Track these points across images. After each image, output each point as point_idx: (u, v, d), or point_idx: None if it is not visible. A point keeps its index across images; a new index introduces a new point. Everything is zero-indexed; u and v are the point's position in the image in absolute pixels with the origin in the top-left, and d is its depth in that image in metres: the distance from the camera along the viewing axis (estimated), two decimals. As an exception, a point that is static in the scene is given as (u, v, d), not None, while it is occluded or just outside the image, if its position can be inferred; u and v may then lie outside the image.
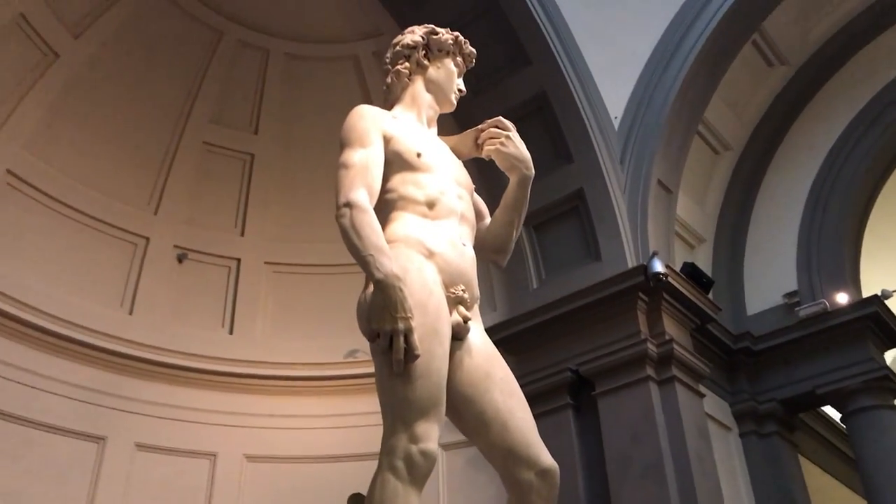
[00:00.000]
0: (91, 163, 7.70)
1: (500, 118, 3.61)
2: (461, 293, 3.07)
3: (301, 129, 8.71)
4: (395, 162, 3.24)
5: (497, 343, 7.01)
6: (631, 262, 6.94)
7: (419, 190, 3.21)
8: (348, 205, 2.95)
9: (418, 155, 3.28)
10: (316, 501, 7.43)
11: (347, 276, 8.48)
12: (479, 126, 3.64)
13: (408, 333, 2.71)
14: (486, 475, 7.19)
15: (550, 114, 7.69)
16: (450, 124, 8.17)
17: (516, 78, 7.78)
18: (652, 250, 6.86)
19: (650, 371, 6.50)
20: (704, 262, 8.30)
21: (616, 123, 7.77)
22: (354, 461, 7.61)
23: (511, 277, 7.84)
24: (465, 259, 3.16)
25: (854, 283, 7.79)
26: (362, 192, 3.02)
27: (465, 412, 3.00)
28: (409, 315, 2.73)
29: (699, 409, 6.67)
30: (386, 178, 3.22)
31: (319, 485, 7.54)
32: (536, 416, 6.38)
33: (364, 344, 7.57)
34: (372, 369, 7.37)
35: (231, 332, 8.17)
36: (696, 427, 6.47)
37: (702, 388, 7.11)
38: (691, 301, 6.96)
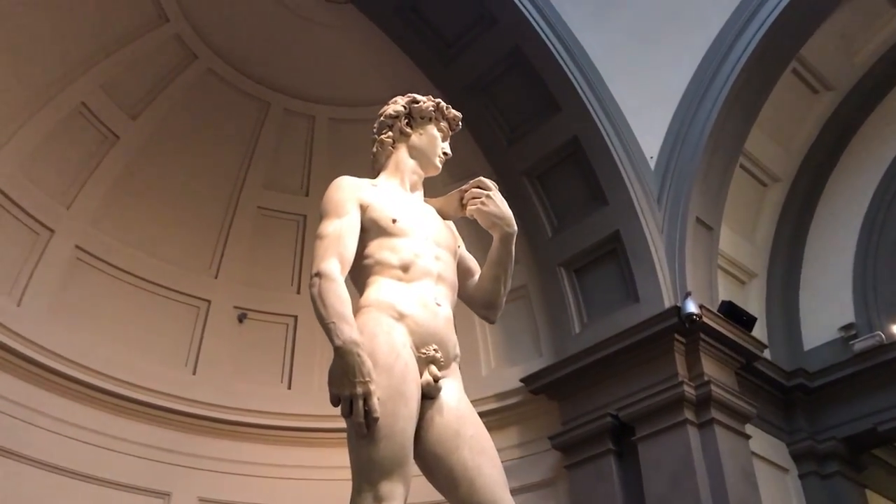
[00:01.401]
0: (154, 234, 8.23)
1: (481, 178, 3.78)
2: (433, 353, 3.19)
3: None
4: (372, 229, 3.42)
5: (541, 389, 7.16)
6: (668, 303, 6.89)
7: (394, 254, 3.36)
8: (318, 275, 3.15)
9: (394, 221, 3.44)
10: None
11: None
12: (463, 187, 3.80)
13: (367, 397, 2.86)
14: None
15: (584, 158, 7.77)
16: (489, 175, 8.40)
17: (548, 125, 7.91)
18: (686, 290, 6.78)
19: (688, 414, 6.41)
20: (757, 298, 8.12)
21: (652, 163, 7.77)
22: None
23: (555, 322, 7.89)
24: (439, 319, 3.27)
25: (916, 313, 7.44)
26: (333, 262, 3.21)
27: (436, 470, 3.11)
28: (368, 379, 2.88)
29: (744, 452, 6.50)
30: (364, 245, 3.40)
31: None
32: (580, 463, 6.48)
33: None
34: None
35: (290, 388, 8.48)
36: (741, 470, 6.31)
37: (753, 429, 6.95)
38: (732, 340, 6.83)
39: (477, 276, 3.77)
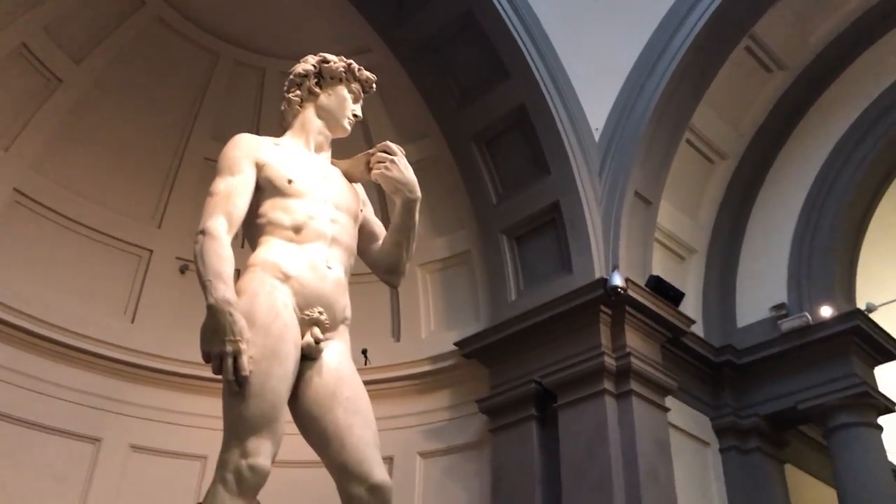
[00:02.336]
0: (97, 180, 8.16)
1: (388, 143, 3.77)
2: (317, 315, 3.23)
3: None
4: (267, 188, 3.43)
5: (473, 353, 7.22)
6: (598, 275, 6.94)
7: (287, 215, 3.38)
8: (202, 232, 3.18)
9: (289, 181, 3.45)
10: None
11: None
12: (370, 150, 3.78)
13: (236, 355, 2.90)
14: (460, 484, 7.33)
15: (529, 126, 7.76)
16: (438, 138, 8.38)
17: (497, 91, 7.88)
18: (612, 264, 6.83)
19: (608, 384, 6.50)
20: (696, 274, 8.19)
21: (597, 135, 7.77)
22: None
23: (493, 288, 7.94)
24: (327, 281, 3.30)
25: (846, 296, 7.53)
26: (218, 220, 3.22)
27: (310, 429, 3.17)
28: (238, 338, 2.92)
29: (660, 423, 6.61)
30: (258, 204, 3.42)
31: (305, 488, 7.78)
32: (503, 427, 6.58)
33: (369, 345, 7.84)
34: (365, 377, 7.61)
35: None
36: (655, 441, 6.42)
37: (676, 402, 7.06)
38: (657, 314, 6.90)
39: (381, 241, 3.78)
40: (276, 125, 8.99)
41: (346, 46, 8.54)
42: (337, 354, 3.31)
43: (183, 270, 8.56)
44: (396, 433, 7.80)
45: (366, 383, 7.83)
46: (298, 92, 3.88)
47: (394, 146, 3.71)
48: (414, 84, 8.38)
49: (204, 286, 3.02)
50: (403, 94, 8.48)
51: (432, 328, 8.31)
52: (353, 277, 8.71)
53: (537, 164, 7.74)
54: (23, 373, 7.38)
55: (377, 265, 3.81)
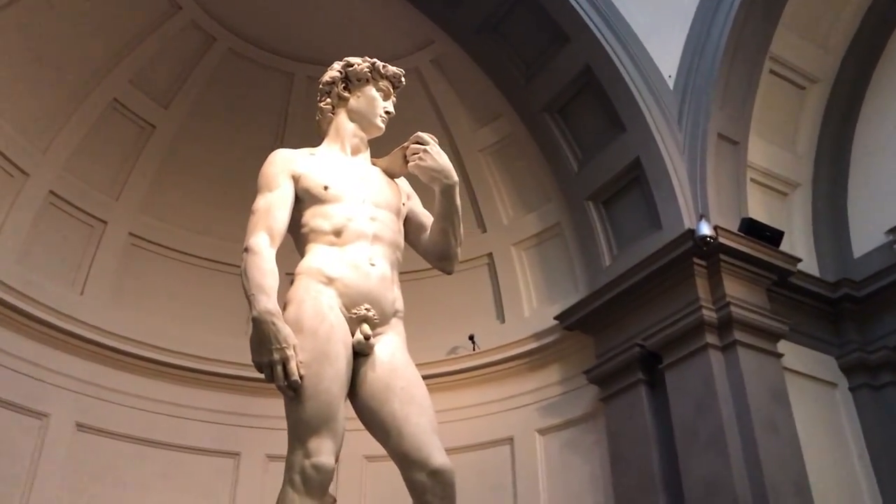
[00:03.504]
0: (200, 212, 8.67)
1: (419, 133, 3.84)
2: (364, 312, 3.34)
3: (388, 144, 9.18)
4: (306, 198, 3.58)
5: (574, 325, 7.17)
6: (688, 227, 6.70)
7: (326, 220, 3.52)
8: (246, 249, 3.37)
9: (325, 188, 3.58)
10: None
11: (443, 278, 8.83)
12: (404, 144, 3.88)
13: (285, 363, 3.06)
14: (580, 457, 7.30)
15: (598, 86, 7.60)
16: (511, 116, 8.31)
17: (560, 57, 7.77)
18: (699, 213, 6.57)
19: (710, 338, 6.28)
20: (802, 208, 7.74)
21: (671, 83, 7.50)
22: (466, 452, 7.94)
23: (587, 257, 7.84)
24: (371, 279, 3.40)
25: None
26: (260, 236, 3.40)
27: (371, 423, 3.31)
28: (284, 345, 3.07)
29: (773, 371, 6.31)
30: (300, 214, 3.58)
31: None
32: (614, 395, 6.54)
33: (476, 331, 7.81)
34: (475, 362, 7.76)
35: None
36: (768, 390, 6.15)
37: (793, 346, 6.74)
38: (756, 258, 6.58)
39: (429, 231, 3.85)
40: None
41: (410, 42, 8.72)
42: (389, 347, 3.38)
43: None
44: (513, 413, 7.89)
45: (475, 368, 8.07)
46: (328, 99, 3.98)
47: (425, 136, 3.75)
48: (480, 67, 8.38)
49: (249, 301, 3.17)
50: (472, 79, 8.51)
51: (535, 305, 8.29)
52: (425, 272, 8.79)
53: (612, 123, 7.57)
54: (163, 401, 7.98)
55: (428, 254, 3.88)
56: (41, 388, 7.33)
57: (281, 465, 8.04)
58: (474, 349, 8.25)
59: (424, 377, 8.35)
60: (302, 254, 3.56)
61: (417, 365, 8.57)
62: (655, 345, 6.65)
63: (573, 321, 7.45)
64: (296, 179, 3.60)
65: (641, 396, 6.67)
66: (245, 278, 3.25)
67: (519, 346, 8.01)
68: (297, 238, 3.62)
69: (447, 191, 3.64)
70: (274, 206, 3.50)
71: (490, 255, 8.73)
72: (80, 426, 7.52)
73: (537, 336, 7.93)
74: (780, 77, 7.74)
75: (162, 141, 8.51)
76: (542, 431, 7.66)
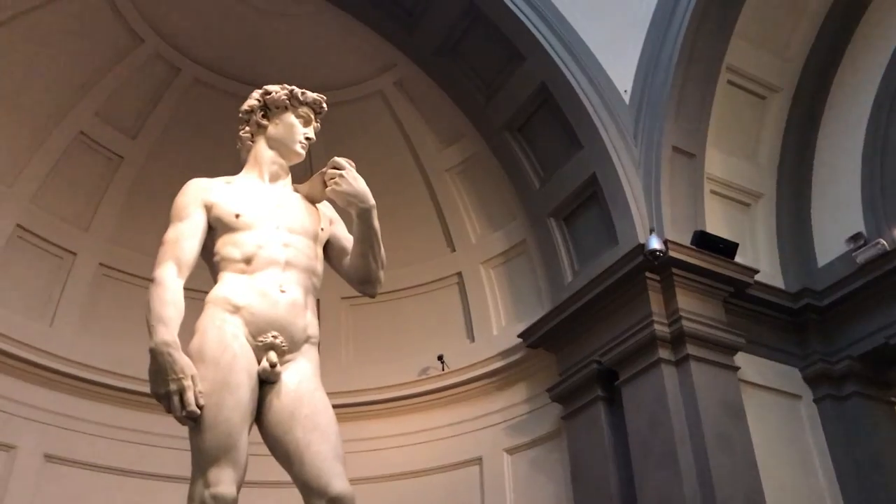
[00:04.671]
0: None
1: (335, 158, 3.85)
2: (271, 339, 3.34)
3: (358, 165, 9.21)
4: (218, 227, 3.60)
5: (537, 342, 7.10)
6: (641, 242, 6.66)
7: (236, 248, 3.53)
8: (152, 280, 3.40)
9: (237, 216, 3.60)
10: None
11: (415, 298, 8.91)
12: (323, 169, 3.89)
13: (181, 393, 3.07)
14: (545, 475, 7.26)
15: (554, 105, 7.62)
16: (474, 136, 8.30)
17: (516, 77, 7.81)
18: (649, 227, 6.54)
19: (663, 353, 6.24)
20: (766, 219, 7.68)
21: (627, 97, 7.49)
22: (437, 473, 7.98)
23: (551, 273, 7.82)
24: (279, 306, 3.39)
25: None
26: (167, 267, 3.42)
27: (275, 450, 3.30)
28: (180, 376, 3.08)
29: (729, 385, 6.25)
30: (213, 243, 3.59)
31: (405, 500, 7.95)
32: (575, 412, 6.47)
33: (446, 350, 7.76)
34: (444, 382, 7.68)
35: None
36: (723, 405, 6.08)
37: (754, 359, 6.69)
38: (710, 270, 6.53)
39: (350, 255, 3.86)
40: (324, 154, 9.22)
41: (373, 65, 8.79)
42: (297, 374, 3.36)
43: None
44: (482, 433, 7.86)
45: (445, 388, 8.00)
46: (248, 128, 4.03)
47: (341, 160, 3.78)
48: (441, 88, 8.43)
49: (149, 330, 3.19)
50: (434, 100, 8.55)
51: (503, 323, 8.27)
52: (421, 287, 8.78)
53: (570, 140, 7.57)
54: (132, 429, 7.95)
55: (350, 278, 3.89)
56: (8, 420, 7.37)
57: (255, 491, 8.03)
58: (443, 369, 8.24)
59: (396, 399, 8.41)
60: (215, 282, 3.57)
61: (388, 387, 8.58)
62: (612, 361, 6.61)
63: (535, 339, 7.43)
64: (208, 208, 3.62)
65: (600, 413, 6.63)
66: (147, 309, 3.27)
67: (487, 365, 8.00)
68: (210, 267, 3.64)
69: (363, 215, 3.65)
70: (182, 236, 3.52)
71: (459, 273, 8.74)
72: (49, 457, 7.52)
73: (504, 354, 7.92)
74: (739, 87, 7.72)
75: (130, 171, 8.57)
76: (510, 451, 7.62)
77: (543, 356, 7.54)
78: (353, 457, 7.93)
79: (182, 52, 8.50)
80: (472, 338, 8.44)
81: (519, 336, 7.65)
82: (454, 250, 8.80)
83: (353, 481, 8.50)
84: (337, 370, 8.79)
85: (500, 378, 7.94)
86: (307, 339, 3.50)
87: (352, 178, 3.70)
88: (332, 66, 8.79)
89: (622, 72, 7.52)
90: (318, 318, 8.82)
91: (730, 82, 7.63)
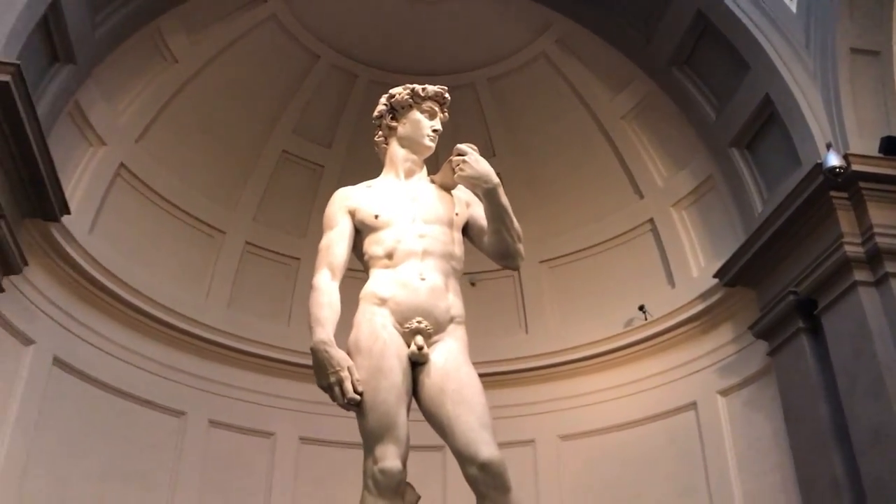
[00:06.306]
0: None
1: (458, 145, 4.02)
2: (416, 325, 3.66)
3: (535, 134, 9.33)
4: (363, 229, 3.99)
5: (735, 279, 6.85)
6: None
7: (379, 246, 3.90)
8: (311, 287, 3.91)
9: (376, 217, 3.96)
10: (622, 466, 7.99)
11: (610, 252, 8.91)
12: (450, 157, 4.19)
13: (340, 384, 3.50)
14: (762, 414, 7.05)
15: (714, 29, 7.24)
16: (643, 78, 8.06)
17: (672, 8, 7.53)
18: (826, 142, 6.04)
19: (859, 275, 5.78)
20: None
21: (793, 6, 6.94)
22: (653, 422, 8.01)
23: (741, 206, 7.49)
24: (420, 293, 3.70)
25: None
26: (322, 273, 3.86)
27: (432, 424, 3.66)
28: (337, 369, 3.50)
29: (944, 299, 5.62)
30: (361, 244, 4.01)
31: (625, 451, 8.07)
32: (779, 347, 6.30)
33: (647, 300, 7.73)
34: (649, 331, 7.88)
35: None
36: (937, 321, 5.52)
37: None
38: (906, 178, 5.91)
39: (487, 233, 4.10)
40: (504, 135, 9.18)
41: (530, 29, 8.85)
42: (444, 353, 3.63)
43: (473, 283, 9.29)
44: (693, 378, 7.77)
45: (651, 337, 8.04)
46: (380, 132, 4.32)
47: (463, 146, 3.93)
48: (600, 36, 8.32)
49: (310, 332, 3.63)
50: (596, 50, 8.49)
51: (702, 264, 8.05)
52: (615, 240, 8.67)
53: (736, 63, 7.18)
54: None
55: (491, 255, 4.04)
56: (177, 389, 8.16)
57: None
58: (646, 319, 8.20)
59: (604, 353, 8.48)
60: (367, 279, 3.97)
61: (595, 342, 8.65)
62: (808, 289, 6.24)
63: (731, 276, 7.17)
64: (352, 213, 3.97)
65: (804, 346, 6.29)
66: (309, 314, 3.70)
67: (689, 309, 7.86)
68: (363, 265, 4.04)
69: (489, 194, 3.81)
70: (332, 242, 3.91)
71: (651, 220, 8.61)
72: (213, 422, 8.28)
73: (704, 296, 7.74)
74: (926, -37, 6.80)
75: (332, 176, 9.35)
76: (723, 392, 7.45)
77: (744, 294, 7.26)
78: (570, 413, 8.45)
79: (354, 58, 9.12)
80: (672, 283, 8.30)
81: (714, 276, 7.42)
82: (642, 197, 8.67)
83: (570, 437, 8.81)
84: (545, 332, 9.10)
85: (704, 321, 7.75)
86: (452, 320, 3.73)
87: (474, 162, 3.85)
88: (492, 39, 8.98)
89: (784, -21, 6.96)
90: (521, 286, 9.23)
91: (913, -40, 6.76)
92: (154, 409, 7.97)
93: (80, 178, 7.62)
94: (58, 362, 7.16)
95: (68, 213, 7.05)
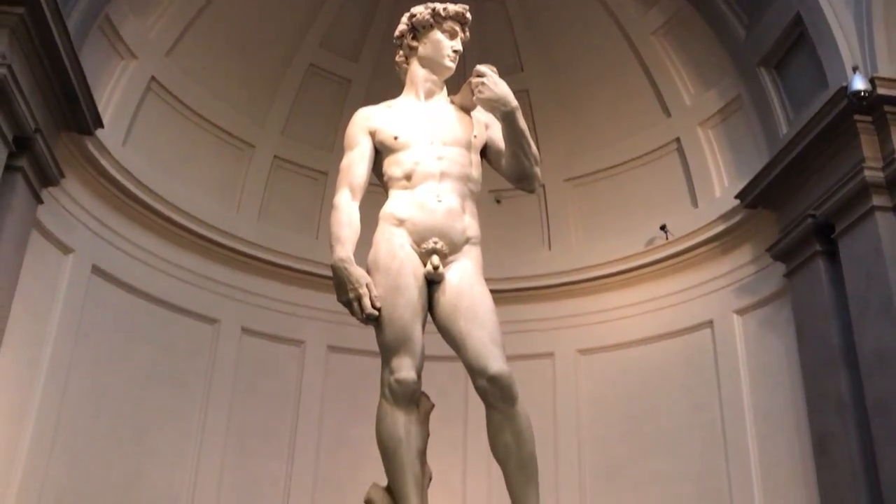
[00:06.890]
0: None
1: (478, 66, 4.05)
2: (432, 245, 3.80)
3: (566, 46, 9.21)
4: (383, 150, 4.09)
5: (756, 200, 6.86)
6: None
7: (398, 167, 4.00)
8: (332, 206, 4.08)
9: (395, 138, 4.05)
10: (638, 380, 8.24)
11: (636, 170, 8.93)
12: (470, 78, 4.25)
13: (359, 300, 3.68)
14: (775, 334, 7.20)
15: (747, -52, 7.04)
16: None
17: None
18: (853, 64, 5.96)
19: (877, 200, 5.80)
20: None
21: (828, -80, 6.70)
22: (670, 339, 8.20)
23: (767, 126, 7.45)
24: (437, 214, 3.82)
25: None
26: (341, 192, 4.00)
27: (446, 338, 3.86)
28: (356, 285, 3.70)
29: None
30: (381, 165, 4.13)
31: (641, 366, 8.31)
32: (795, 269, 6.41)
33: (669, 219, 7.81)
34: (670, 250, 8.01)
35: (550, 249, 9.29)
36: (950, 249, 5.56)
37: None
38: (931, 101, 5.83)
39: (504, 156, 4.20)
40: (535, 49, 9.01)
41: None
42: (458, 272, 3.77)
43: (499, 201, 9.40)
44: (711, 297, 7.91)
45: (672, 256, 8.16)
46: (401, 52, 4.34)
47: (483, 67, 3.94)
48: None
49: (330, 249, 3.81)
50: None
51: (726, 184, 8.06)
52: (641, 158, 8.68)
53: (769, -19, 7.00)
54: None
55: (508, 177, 4.12)
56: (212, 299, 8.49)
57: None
58: (667, 238, 8.29)
59: (625, 270, 8.62)
60: (387, 198, 4.10)
61: (617, 260, 8.78)
62: (827, 213, 6.28)
63: (752, 197, 7.20)
64: (372, 134, 4.05)
65: (820, 268, 6.37)
66: (329, 232, 3.87)
67: (710, 229, 7.93)
68: (383, 186, 4.17)
69: (507, 117, 3.86)
70: (353, 163, 4.01)
71: (678, 139, 8.58)
72: (245, 330, 8.61)
73: (725, 217, 7.78)
74: None
75: (359, 91, 9.38)
76: (740, 312, 7.60)
77: (765, 215, 7.31)
78: (589, 328, 8.68)
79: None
80: (695, 203, 8.34)
81: (736, 196, 7.45)
82: (669, 115, 8.62)
83: (589, 350, 9.06)
84: (567, 249, 9.24)
85: (724, 241, 7.83)
86: (467, 241, 3.85)
87: (493, 84, 3.87)
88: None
89: None
90: (545, 204, 9.29)
91: None
92: (189, 316, 8.30)
93: (113, 91, 7.71)
94: (96, 270, 7.45)
95: (101, 126, 7.18)
